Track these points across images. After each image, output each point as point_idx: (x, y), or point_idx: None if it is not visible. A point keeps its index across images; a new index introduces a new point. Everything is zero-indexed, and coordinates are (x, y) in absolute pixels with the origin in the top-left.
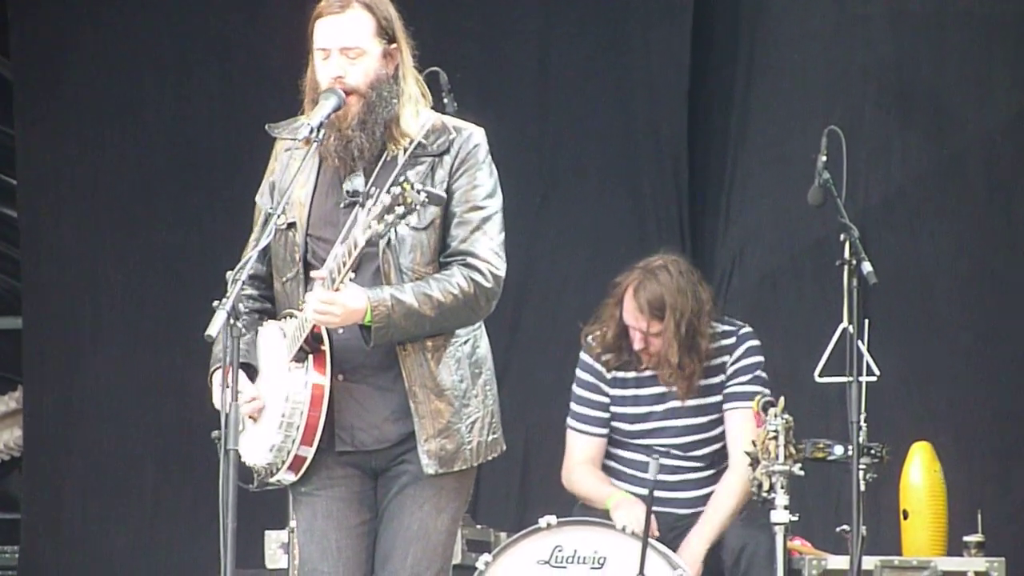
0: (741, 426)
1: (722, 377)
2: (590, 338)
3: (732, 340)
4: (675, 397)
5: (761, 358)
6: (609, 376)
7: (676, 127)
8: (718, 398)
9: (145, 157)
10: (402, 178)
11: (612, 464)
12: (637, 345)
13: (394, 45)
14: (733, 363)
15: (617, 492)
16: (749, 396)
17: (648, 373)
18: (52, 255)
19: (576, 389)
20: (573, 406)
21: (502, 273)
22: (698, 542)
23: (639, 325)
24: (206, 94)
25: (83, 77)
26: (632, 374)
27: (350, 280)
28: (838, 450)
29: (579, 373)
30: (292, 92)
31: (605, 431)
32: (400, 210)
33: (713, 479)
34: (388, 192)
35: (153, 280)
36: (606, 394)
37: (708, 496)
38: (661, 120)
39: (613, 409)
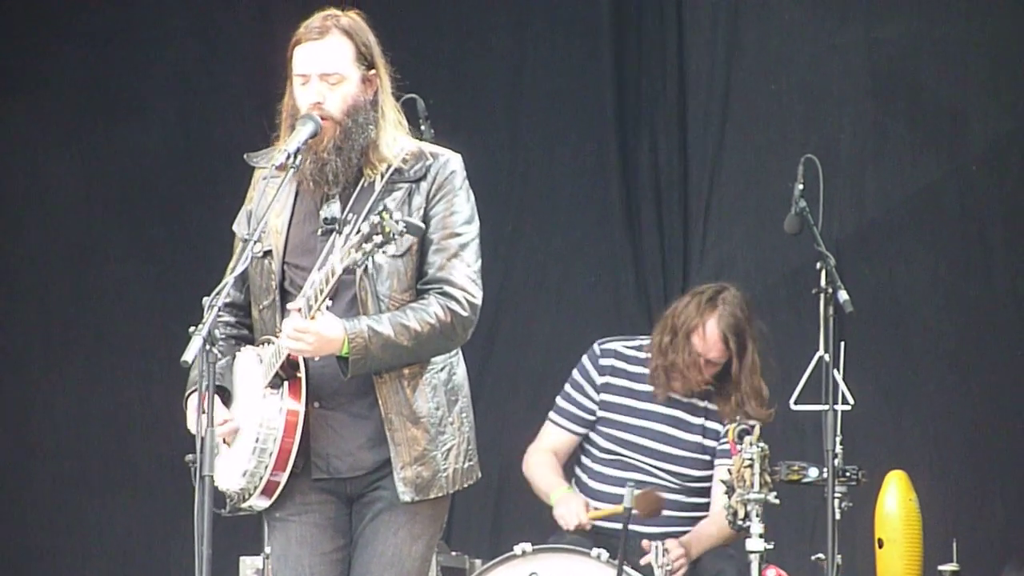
0: None
1: (720, 427)
2: (607, 360)
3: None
4: (667, 423)
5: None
6: (599, 382)
7: (667, 153)
8: (702, 440)
9: (99, 188)
10: (381, 207)
11: (585, 479)
12: (708, 374)
13: (373, 71)
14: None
15: (560, 487)
16: None
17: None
18: (4, 287)
19: (566, 386)
20: (559, 400)
21: (478, 301)
22: (690, 536)
23: (711, 354)
24: (162, 124)
25: (38, 105)
26: (626, 383)
27: (326, 308)
28: (813, 472)
29: (574, 373)
30: (249, 121)
31: (581, 431)
32: (378, 239)
33: (686, 506)
34: (368, 221)
35: (107, 312)
36: (592, 399)
37: (682, 519)
38: (643, 148)
39: (604, 414)
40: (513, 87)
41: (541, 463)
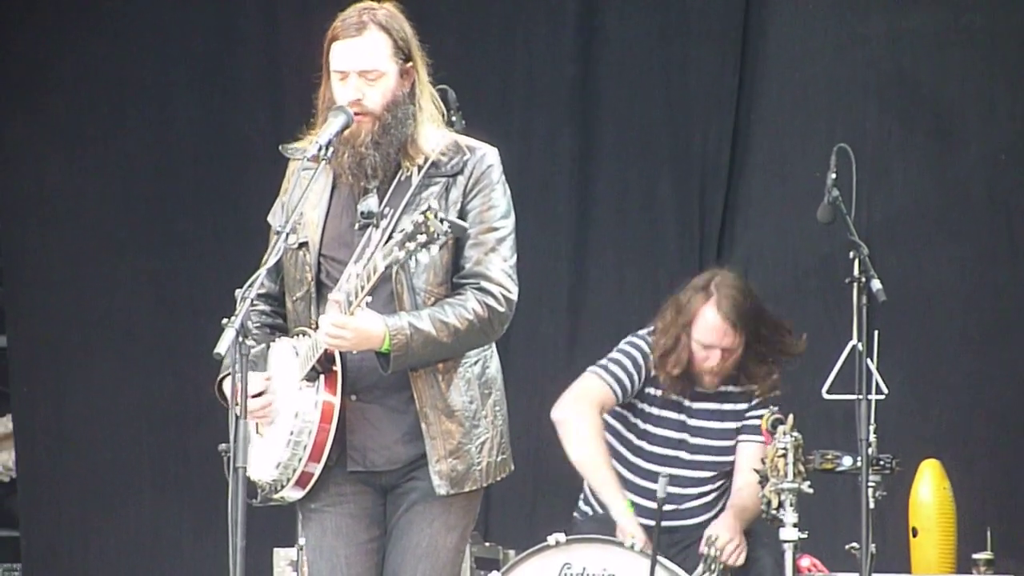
0: (755, 459)
1: (745, 405)
2: (656, 369)
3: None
4: (696, 415)
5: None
6: (648, 374)
7: (715, 150)
8: (735, 424)
9: (129, 181)
10: (425, 206)
11: (620, 470)
12: (712, 364)
13: (410, 64)
14: (760, 394)
15: (625, 502)
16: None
17: (673, 397)
18: (37, 280)
19: (620, 356)
20: (608, 363)
21: (514, 296)
22: (728, 516)
23: (722, 343)
24: (188, 118)
25: (66, 101)
26: (659, 392)
27: (366, 304)
28: (847, 461)
29: (626, 347)
30: (273, 115)
31: (622, 397)
32: (422, 239)
33: (719, 496)
34: (411, 220)
35: (139, 304)
36: (637, 385)
37: (714, 511)
38: (667, 138)
39: (643, 407)
40: (529, 76)
41: (594, 434)
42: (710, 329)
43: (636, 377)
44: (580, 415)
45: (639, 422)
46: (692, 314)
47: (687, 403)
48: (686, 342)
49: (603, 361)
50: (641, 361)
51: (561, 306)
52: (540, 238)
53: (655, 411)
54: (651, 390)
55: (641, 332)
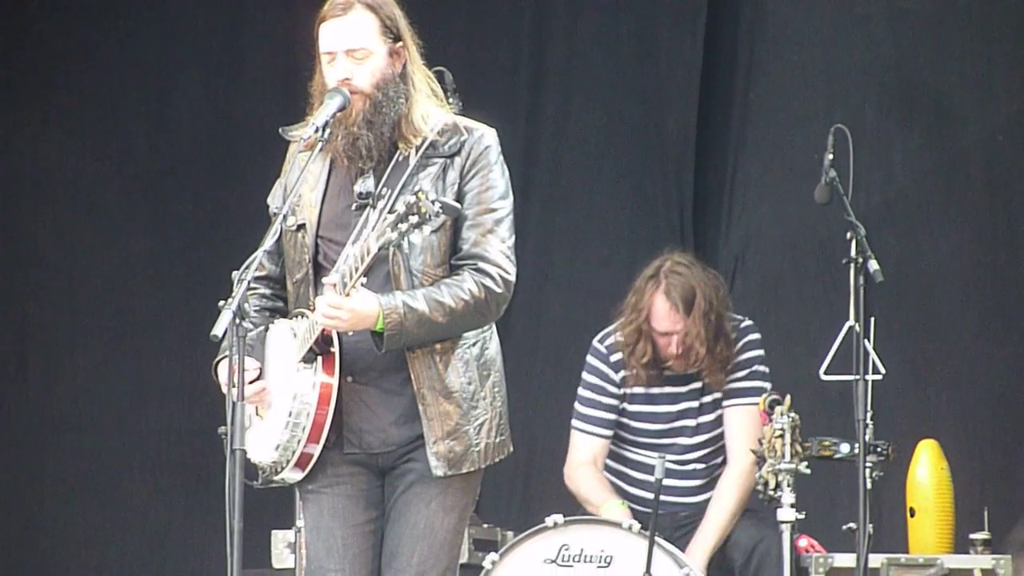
0: (740, 424)
1: (722, 376)
2: (617, 355)
3: (733, 335)
4: (687, 398)
5: (760, 352)
6: (618, 378)
7: (682, 130)
8: (719, 395)
9: (126, 161)
10: (417, 187)
11: (617, 466)
12: (673, 350)
13: (400, 44)
14: (733, 359)
15: (612, 502)
16: (746, 392)
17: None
18: (31, 259)
19: (582, 391)
20: (578, 406)
21: (512, 277)
22: (703, 547)
23: (676, 327)
24: (188, 99)
25: (67, 81)
26: (642, 388)
27: (361, 285)
28: (844, 448)
29: (585, 376)
30: (274, 97)
31: (610, 432)
32: (414, 219)
33: (715, 473)
34: (403, 201)
35: (132, 285)
36: (614, 395)
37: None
38: (663, 122)
39: (625, 406)
40: (528, 59)
41: (586, 477)
42: (661, 317)
43: (614, 400)
44: (575, 481)
45: (629, 422)
46: (646, 305)
47: (668, 389)
48: (648, 331)
49: (578, 407)
50: (611, 376)
51: (564, 286)
52: (540, 219)
53: (639, 408)
54: (629, 390)
55: (597, 340)
